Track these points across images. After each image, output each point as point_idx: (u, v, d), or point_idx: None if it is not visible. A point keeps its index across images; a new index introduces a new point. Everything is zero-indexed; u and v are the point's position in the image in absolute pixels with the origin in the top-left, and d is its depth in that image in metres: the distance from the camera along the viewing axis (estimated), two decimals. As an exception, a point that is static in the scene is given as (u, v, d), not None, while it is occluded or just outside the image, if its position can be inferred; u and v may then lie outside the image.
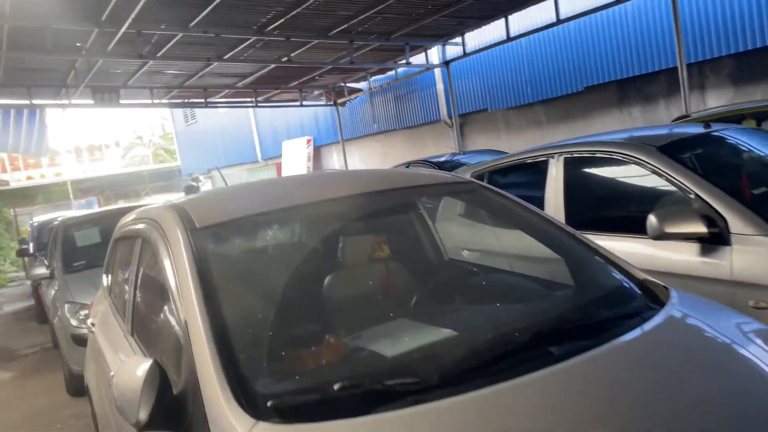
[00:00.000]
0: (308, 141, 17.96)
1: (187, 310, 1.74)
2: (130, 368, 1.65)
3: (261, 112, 20.53)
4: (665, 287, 2.05)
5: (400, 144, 14.26)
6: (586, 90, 9.59)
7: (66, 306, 5.25)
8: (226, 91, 13.53)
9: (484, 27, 10.24)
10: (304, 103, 15.01)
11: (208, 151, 25.54)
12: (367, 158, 15.67)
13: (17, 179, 32.40)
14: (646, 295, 2.00)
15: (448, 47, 11.33)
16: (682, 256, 2.92)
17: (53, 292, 5.92)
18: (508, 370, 1.55)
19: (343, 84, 14.42)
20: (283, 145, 19.08)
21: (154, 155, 38.64)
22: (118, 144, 37.46)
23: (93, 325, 3.13)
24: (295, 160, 18.45)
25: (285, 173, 18.93)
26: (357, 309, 2.05)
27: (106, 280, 3.40)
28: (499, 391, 1.46)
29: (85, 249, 6.23)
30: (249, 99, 14.52)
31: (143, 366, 1.62)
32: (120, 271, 3.00)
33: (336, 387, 1.50)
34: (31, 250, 9.97)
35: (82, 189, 31.89)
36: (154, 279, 2.25)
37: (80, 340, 5.09)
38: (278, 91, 14.14)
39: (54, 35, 7.86)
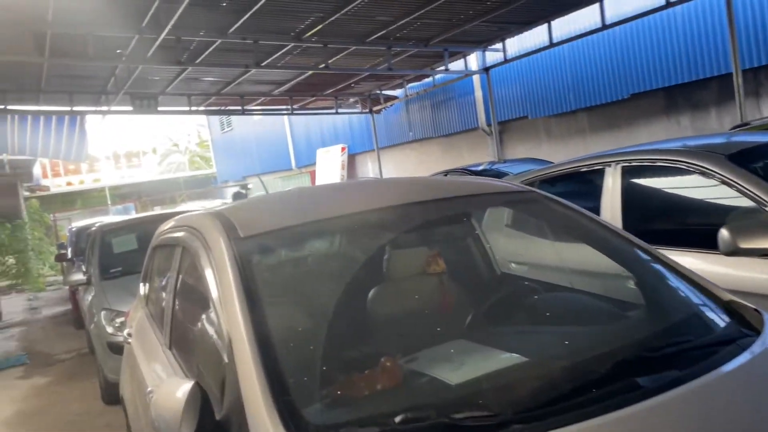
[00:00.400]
0: (343, 149, 17.90)
1: (231, 326, 1.60)
2: (170, 389, 1.52)
3: (296, 119, 20.59)
4: (757, 310, 1.82)
5: (436, 152, 14.08)
6: (632, 97, 9.28)
7: (102, 313, 5.19)
8: (262, 98, 13.55)
9: (525, 32, 10.03)
10: (340, 110, 14.94)
11: (243, 158, 25.74)
12: (401, 166, 15.52)
13: (57, 185, 33.20)
14: (735, 320, 1.78)
15: (487, 53, 11.13)
16: (759, 274, 2.68)
17: (90, 298, 5.89)
18: (592, 404, 1.35)
19: (378, 91, 14.33)
20: (318, 153, 19.07)
21: (190, 162, 39.22)
22: (155, 151, 38.11)
23: (129, 335, 3.02)
24: (329, 168, 18.42)
25: (319, 181, 18.91)
26: (410, 327, 1.88)
27: (143, 288, 3.29)
28: (588, 430, 1.27)
29: (122, 255, 6.19)
30: (284, 107, 14.53)
31: (184, 387, 1.48)
32: (158, 281, 2.89)
33: (397, 420, 1.33)
34: (69, 255, 10.04)
35: (119, 195, 32.42)
36: (195, 290, 2.12)
37: (116, 348, 5.03)
38: (314, 98, 14.11)
39: (95, 42, 7.92)
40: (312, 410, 1.44)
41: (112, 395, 5.30)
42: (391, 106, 14.88)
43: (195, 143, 40.36)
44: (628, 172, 3.45)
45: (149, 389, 2.21)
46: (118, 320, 5.12)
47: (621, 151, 3.66)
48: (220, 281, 1.76)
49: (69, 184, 33.91)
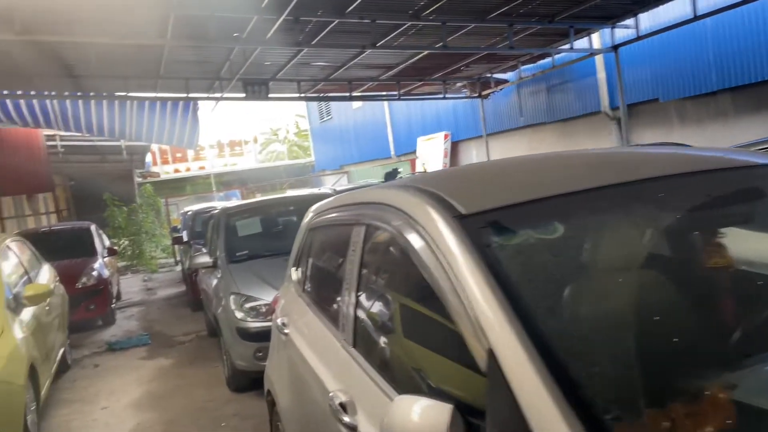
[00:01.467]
0: (446, 136, 17.40)
1: (490, 333, 1.20)
2: (417, 410, 1.14)
3: (396, 107, 20.29)
4: None
5: (550, 138, 13.30)
6: (789, 74, 8.20)
7: (231, 297, 5.03)
8: (369, 83, 13.30)
9: (660, 6, 9.13)
10: (447, 95, 14.44)
11: (340, 147, 25.83)
12: (510, 154, 14.79)
13: (166, 172, 34.79)
14: None
15: (615, 31, 10.27)
16: None
17: (215, 282, 5.78)
18: None
19: (489, 74, 13.71)
20: (418, 141, 18.69)
21: (288, 151, 40.02)
22: (256, 140, 39.06)
23: (284, 325, 2.71)
24: (431, 156, 17.99)
25: (419, 169, 18.53)
26: (705, 338, 1.40)
27: (296, 273, 2.99)
28: None
29: (247, 239, 6.04)
30: (391, 92, 14.21)
31: (441, 411, 1.10)
32: (324, 266, 2.56)
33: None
34: (185, 239, 10.20)
35: (222, 182, 33.50)
36: (399, 280, 1.75)
37: (245, 334, 4.86)
38: (421, 83, 13.71)
39: (215, 23, 7.87)
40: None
41: (239, 383, 5.16)
42: (500, 90, 14.21)
43: (293, 133, 41.09)
44: None
45: (331, 393, 1.87)
46: (248, 305, 4.94)
47: None
48: (454, 271, 1.36)
49: (176, 171, 35.39)
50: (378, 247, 1.93)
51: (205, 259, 5.82)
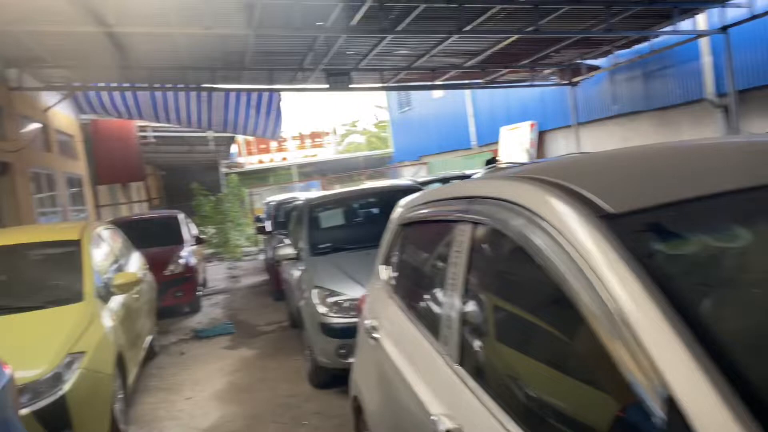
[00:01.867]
0: (532, 125, 16.77)
1: (670, 376, 0.90)
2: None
3: (479, 96, 19.78)
4: None
5: (646, 128, 12.47)
6: None
7: (314, 291, 4.89)
8: (453, 72, 12.92)
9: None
10: (534, 83, 13.84)
11: (420, 137, 25.54)
12: (602, 145, 14.04)
13: (250, 162, 35.72)
14: None
15: (724, 11, 9.42)
16: None
17: (297, 274, 5.66)
18: None
19: (581, 60, 13.01)
20: (501, 131, 18.12)
21: (367, 142, 40.19)
22: (335, 131, 39.45)
23: (374, 329, 2.48)
24: (515, 146, 17.40)
25: (501, 160, 17.97)
26: None
27: (385, 273, 2.76)
28: None
29: (330, 231, 5.91)
30: (475, 80, 13.78)
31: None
32: (418, 268, 2.31)
33: None
34: (268, 228, 10.26)
35: (303, 173, 34.00)
36: (522, 293, 1.47)
37: (328, 330, 4.70)
38: (507, 70, 13.20)
39: (301, 11, 7.77)
40: None
41: (321, 379, 5.02)
42: (592, 76, 13.47)
43: (372, 124, 41.21)
44: None
45: (434, 417, 1.62)
46: (330, 300, 4.78)
47: None
48: (608, 289, 1.07)
49: (260, 161, 36.27)
50: (491, 251, 1.66)
51: (289, 251, 5.71)
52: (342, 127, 41.33)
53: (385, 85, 13.00)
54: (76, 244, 5.20)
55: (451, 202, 1.93)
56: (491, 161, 9.98)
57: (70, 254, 5.15)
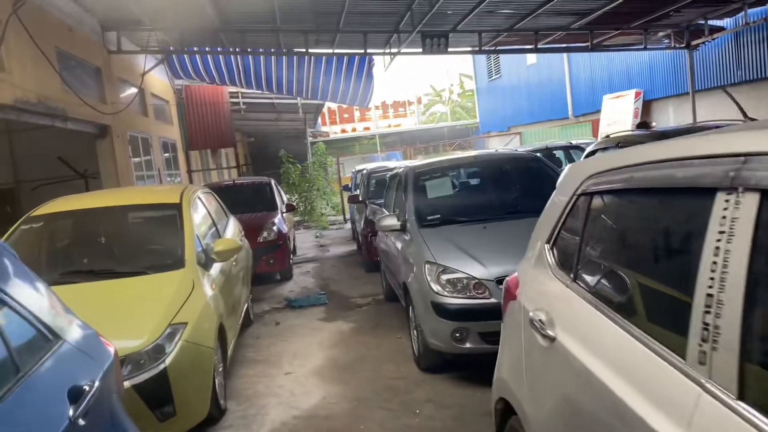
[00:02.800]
0: (637, 94, 15.54)
1: None
2: None
3: (578, 62, 18.59)
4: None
5: (776, 96, 11.16)
6: None
7: (426, 267, 4.44)
8: (558, 33, 11.99)
9: None
10: (648, 46, 12.69)
11: (509, 107, 24.52)
12: (719, 114, 12.76)
13: (334, 132, 35.73)
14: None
15: None
16: None
17: (401, 246, 5.22)
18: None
19: (703, 20, 11.75)
20: (604, 100, 16.94)
21: (451, 113, 39.23)
22: (420, 101, 38.71)
23: (545, 324, 1.99)
24: (618, 116, 16.22)
25: (604, 132, 16.84)
26: None
27: (551, 254, 2.24)
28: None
29: (438, 202, 5.42)
30: (580, 43, 12.78)
31: None
32: (632, 252, 1.79)
33: None
34: (360, 198, 9.91)
35: (386, 143, 33.66)
36: None
37: (442, 310, 4.25)
38: (617, 32, 12.13)
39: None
40: None
41: (430, 362, 4.62)
42: (713, 39, 12.18)
43: (457, 94, 40.14)
44: None
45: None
46: (444, 277, 4.32)
47: None
48: None
49: (343, 131, 36.25)
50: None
51: (392, 222, 5.28)
52: (425, 97, 40.47)
53: (484, 48, 12.25)
54: (177, 207, 4.99)
55: (695, 163, 1.39)
56: (642, 125, 9.10)
57: (170, 218, 4.95)
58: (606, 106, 16.87)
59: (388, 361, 5.09)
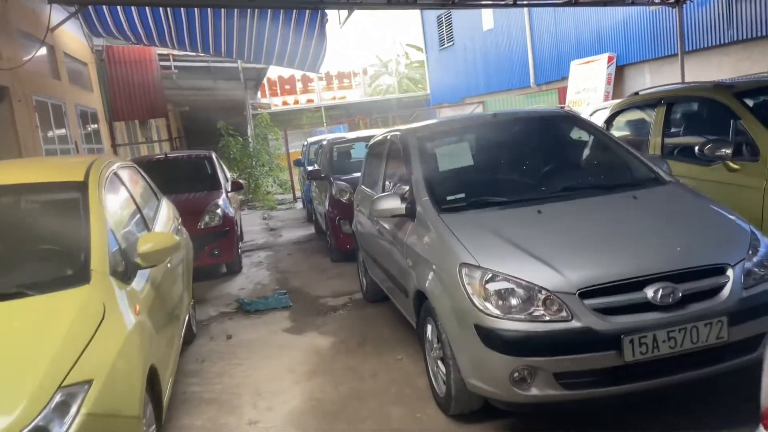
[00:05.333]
0: (609, 58, 14.47)
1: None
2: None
3: (541, 25, 17.41)
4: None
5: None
6: None
7: (463, 272, 2.98)
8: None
9: None
10: (635, 3, 11.54)
11: (463, 77, 23.22)
12: (707, 77, 11.79)
13: (275, 104, 33.61)
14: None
15: None
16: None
17: (414, 239, 3.71)
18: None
19: (697, -28, 10.66)
20: (572, 66, 15.82)
21: (398, 84, 37.68)
22: (366, 72, 36.96)
23: None
24: (588, 83, 15.15)
25: (571, 99, 15.76)
26: None
27: None
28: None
29: (457, 175, 3.93)
30: (559, -1, 11.51)
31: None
32: None
33: None
34: (323, 173, 8.33)
35: (330, 116, 31.82)
36: None
37: (493, 338, 2.81)
38: (602, -14, 10.91)
39: None
40: None
41: (465, 406, 3.18)
42: (704, -5, 11.13)
43: (404, 65, 38.64)
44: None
45: None
46: (493, 287, 2.87)
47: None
48: None
49: (285, 103, 34.23)
50: None
51: (395, 204, 3.77)
52: (371, 68, 38.73)
53: (456, 2, 10.74)
54: (80, 188, 3.33)
55: None
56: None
57: (69, 205, 3.30)
58: (574, 73, 15.76)
59: (394, 401, 3.63)
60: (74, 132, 11.18)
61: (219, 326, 5.61)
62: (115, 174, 3.93)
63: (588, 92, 15.06)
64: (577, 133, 4.29)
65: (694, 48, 11.84)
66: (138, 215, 3.96)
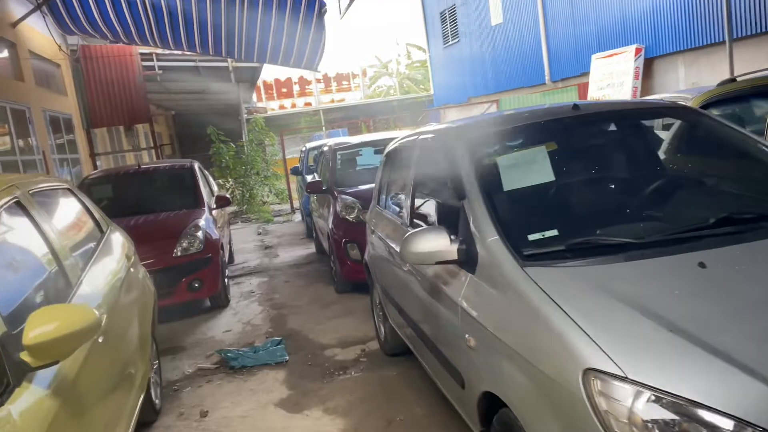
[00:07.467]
0: (637, 50, 13.13)
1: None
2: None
3: (557, 18, 16.09)
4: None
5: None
6: None
7: (592, 383, 1.63)
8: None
9: None
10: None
11: (470, 76, 21.89)
12: (752, 68, 10.45)
13: (271, 108, 32.34)
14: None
15: None
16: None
17: (473, 301, 2.37)
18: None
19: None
20: (593, 60, 14.49)
21: (399, 85, 36.36)
22: (365, 73, 35.66)
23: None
24: (613, 78, 13.82)
25: (593, 96, 14.44)
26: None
27: None
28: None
29: (537, 196, 2.58)
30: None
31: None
32: None
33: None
34: (324, 186, 6.99)
35: (329, 120, 30.52)
36: None
37: None
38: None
39: None
40: None
41: None
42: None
43: (405, 65, 37.37)
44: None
45: None
46: (651, 414, 1.52)
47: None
48: None
49: (282, 107, 33.00)
50: None
51: (441, 245, 2.41)
52: (371, 69, 37.43)
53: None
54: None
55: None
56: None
57: None
58: (596, 67, 14.43)
59: None
60: (42, 141, 9.86)
61: (193, 393, 4.26)
62: (19, 205, 2.59)
63: (613, 88, 13.73)
64: (703, 133, 2.92)
65: (742, 35, 10.49)
66: (49, 269, 2.61)
